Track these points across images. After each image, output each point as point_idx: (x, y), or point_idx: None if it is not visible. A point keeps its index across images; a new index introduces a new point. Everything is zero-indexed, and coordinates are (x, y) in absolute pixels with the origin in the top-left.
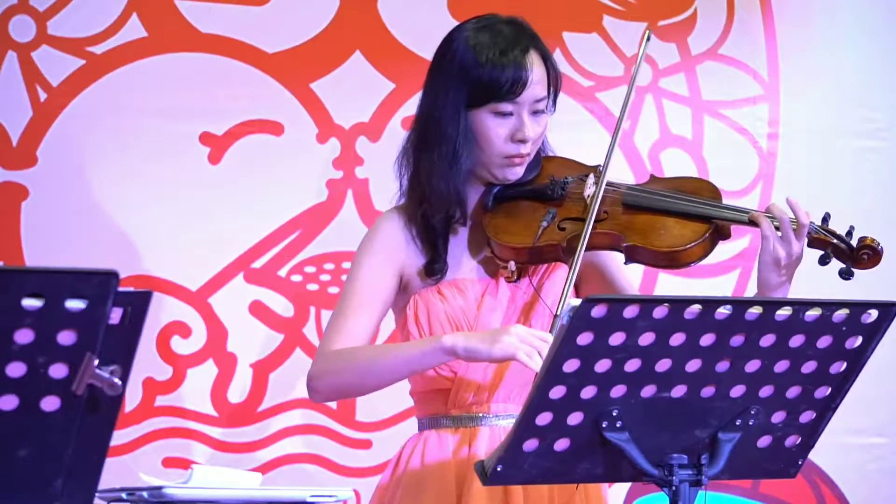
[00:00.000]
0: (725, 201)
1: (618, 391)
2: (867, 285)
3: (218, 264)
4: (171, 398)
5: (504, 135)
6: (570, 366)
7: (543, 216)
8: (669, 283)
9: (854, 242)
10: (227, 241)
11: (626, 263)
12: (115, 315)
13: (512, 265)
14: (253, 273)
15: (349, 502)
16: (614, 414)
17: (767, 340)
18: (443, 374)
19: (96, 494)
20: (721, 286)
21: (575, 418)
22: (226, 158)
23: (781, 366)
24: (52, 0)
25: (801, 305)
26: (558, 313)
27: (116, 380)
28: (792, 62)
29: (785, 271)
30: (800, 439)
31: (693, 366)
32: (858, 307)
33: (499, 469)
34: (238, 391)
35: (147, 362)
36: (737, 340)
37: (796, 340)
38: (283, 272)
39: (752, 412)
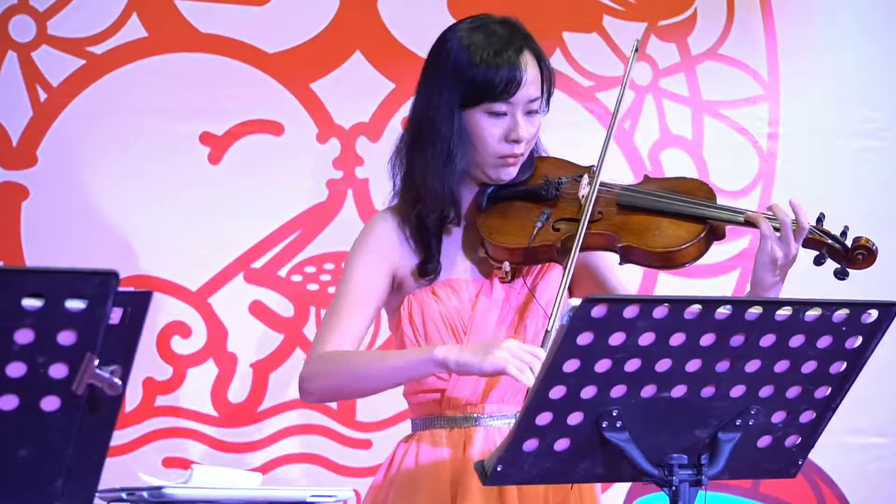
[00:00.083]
0: (724, 201)
1: (618, 391)
2: (866, 285)
3: (218, 264)
4: (171, 398)
5: (498, 135)
6: (570, 366)
7: (538, 217)
8: (669, 283)
9: (849, 243)
10: (227, 241)
11: (620, 264)
12: (116, 315)
13: (506, 266)
14: (253, 273)
15: (349, 502)
16: (614, 414)
17: (767, 340)
18: (437, 374)
19: (96, 494)
20: (721, 286)
21: (575, 418)
22: (226, 158)
23: (781, 366)
24: (52, 0)
25: (802, 305)
26: (549, 329)
27: (116, 380)
28: (792, 62)
29: (780, 272)
30: (800, 439)
31: (693, 366)
32: (858, 307)
33: (499, 469)
34: (238, 391)
35: (147, 362)
36: (737, 340)
37: (796, 340)
38: (283, 272)
39: (752, 412)
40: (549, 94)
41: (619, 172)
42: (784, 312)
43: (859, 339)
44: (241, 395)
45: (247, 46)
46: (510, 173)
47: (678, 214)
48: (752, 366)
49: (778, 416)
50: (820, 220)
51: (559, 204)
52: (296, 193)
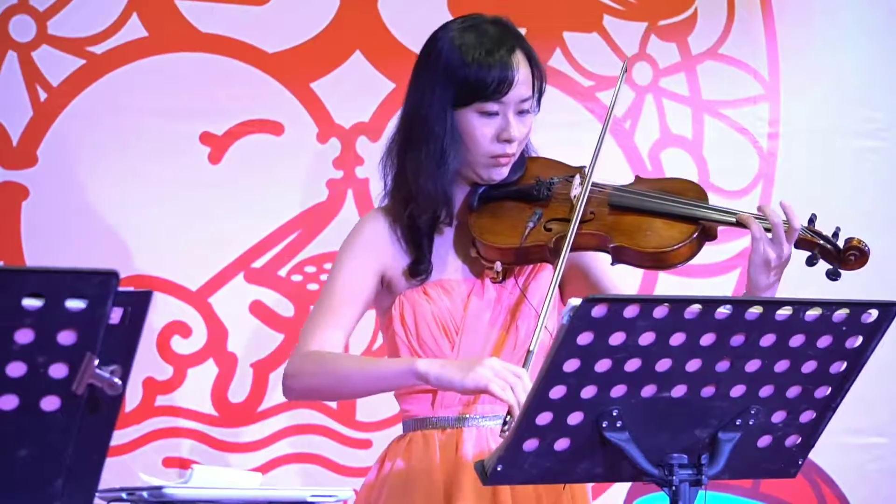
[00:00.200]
0: (725, 202)
1: (618, 391)
2: (867, 285)
3: (218, 264)
4: (171, 398)
5: (490, 134)
6: (571, 366)
7: (530, 217)
8: (669, 283)
9: (841, 244)
10: (227, 241)
11: (612, 264)
12: (116, 315)
13: (498, 266)
14: (253, 273)
15: (349, 502)
16: (614, 414)
17: (767, 340)
18: None
19: (96, 494)
20: (721, 286)
21: (575, 418)
22: (226, 158)
23: (781, 365)
24: (52, 0)
25: (802, 305)
26: (531, 349)
27: (116, 380)
28: (792, 62)
29: (774, 273)
30: (800, 439)
31: (693, 365)
32: (859, 307)
33: (499, 469)
34: (238, 391)
35: (147, 362)
36: (737, 340)
37: (796, 340)
38: (283, 272)
39: (753, 412)
40: (541, 94)
41: (618, 172)
42: (784, 312)
43: (859, 339)
44: (241, 395)
45: (247, 46)
46: (502, 173)
47: (670, 215)
48: (753, 365)
49: (778, 416)
50: (811, 220)
51: (551, 204)
52: (296, 193)
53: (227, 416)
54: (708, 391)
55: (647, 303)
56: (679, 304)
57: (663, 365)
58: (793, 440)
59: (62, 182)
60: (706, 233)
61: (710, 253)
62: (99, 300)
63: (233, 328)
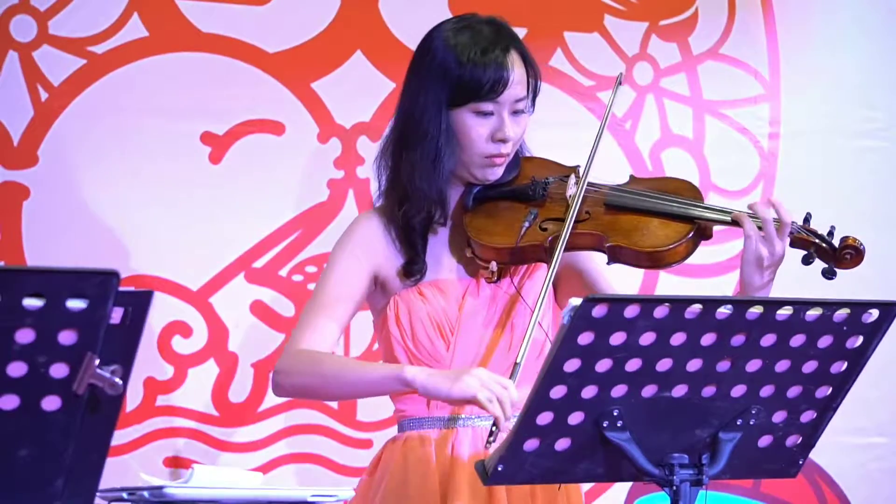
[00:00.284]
0: (725, 201)
1: (618, 391)
2: (867, 284)
3: (219, 264)
4: (171, 398)
5: (485, 134)
6: (571, 365)
7: (525, 216)
8: (670, 283)
9: (836, 242)
10: (228, 241)
11: (608, 264)
12: (116, 315)
13: (493, 265)
14: (254, 273)
15: (350, 502)
16: (615, 414)
17: (768, 340)
18: None
19: (97, 494)
20: (722, 286)
21: (576, 418)
22: (227, 158)
23: (782, 365)
24: (53, 0)
25: (802, 305)
26: (518, 361)
27: (117, 379)
28: (793, 62)
29: (768, 271)
30: (800, 439)
31: (694, 365)
32: (859, 307)
33: (499, 469)
34: (239, 391)
35: (148, 362)
36: (737, 340)
37: (797, 340)
38: (284, 272)
39: (753, 412)
40: (535, 94)
41: (618, 172)
42: (785, 312)
43: (860, 339)
44: (241, 395)
45: (248, 46)
46: (496, 173)
47: (666, 214)
48: (753, 365)
49: (779, 416)
50: (807, 219)
51: (546, 204)
52: (297, 193)
53: (227, 415)
54: (708, 391)
55: (648, 303)
56: (680, 303)
57: (664, 365)
58: (793, 440)
59: (63, 182)
60: (702, 232)
61: (710, 253)
62: (100, 300)
63: (233, 328)
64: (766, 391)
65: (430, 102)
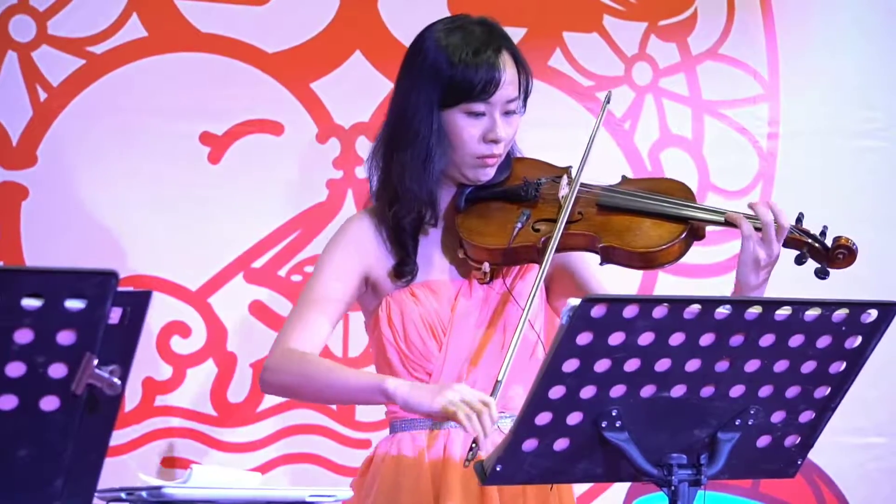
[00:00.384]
0: (725, 202)
1: (617, 391)
2: (866, 284)
3: (218, 264)
4: (170, 398)
5: (477, 135)
6: (570, 366)
7: (517, 217)
8: (669, 283)
9: (829, 242)
10: (226, 241)
11: (601, 264)
12: (115, 315)
13: (486, 266)
14: (253, 273)
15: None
16: (614, 414)
17: (767, 340)
18: (417, 375)
19: (95, 494)
20: (721, 286)
21: (574, 418)
22: (226, 158)
23: (781, 365)
24: (52, 0)
25: (801, 305)
26: (500, 378)
27: (116, 380)
28: (792, 62)
29: (764, 272)
30: (799, 439)
31: (692, 365)
32: (858, 307)
33: (498, 469)
34: (238, 391)
35: (147, 362)
36: (736, 340)
37: (796, 340)
38: (283, 272)
39: (752, 412)
40: (527, 95)
41: (617, 173)
42: (783, 312)
43: (859, 339)
44: (240, 395)
45: (247, 46)
46: (488, 174)
47: (659, 214)
48: (752, 365)
49: (777, 416)
50: (799, 219)
51: (538, 205)
52: (296, 193)
53: (226, 415)
54: (707, 391)
55: (647, 303)
56: (678, 304)
57: (663, 365)
58: (792, 440)
59: (62, 182)
60: (694, 232)
61: (709, 253)
62: (98, 300)
63: (232, 328)
64: (765, 391)
65: (421, 103)
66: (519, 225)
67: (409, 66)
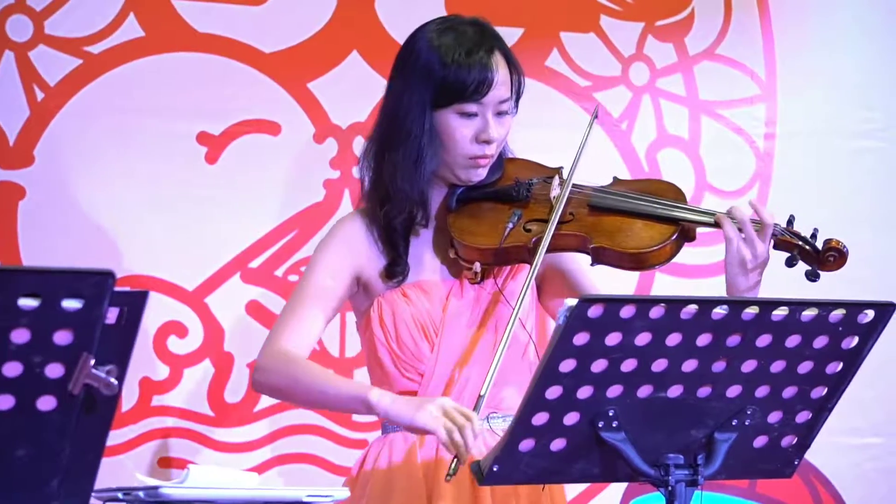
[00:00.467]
0: (722, 202)
1: (614, 391)
2: (864, 285)
3: (215, 264)
4: (167, 398)
5: (469, 135)
6: (567, 366)
7: (509, 217)
8: (666, 283)
9: (819, 244)
10: (223, 241)
11: (592, 265)
12: (112, 315)
13: (477, 266)
14: (250, 273)
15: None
16: (610, 414)
17: (764, 340)
18: (409, 375)
19: (92, 494)
20: (717, 287)
21: (571, 418)
22: (223, 158)
23: (778, 366)
24: (49, 0)
25: (798, 305)
26: (483, 394)
27: (113, 379)
28: (789, 62)
29: (753, 274)
30: (796, 439)
31: (689, 366)
32: (855, 307)
33: (495, 469)
34: (234, 391)
35: (143, 362)
36: (733, 340)
37: (792, 340)
38: (279, 272)
39: (749, 412)
40: (519, 96)
41: (612, 173)
42: (780, 313)
43: (855, 340)
44: (237, 395)
45: (244, 46)
46: (480, 174)
47: (650, 216)
48: (749, 366)
49: (774, 417)
50: (790, 221)
51: (530, 205)
52: (293, 193)
53: (223, 416)
54: (704, 391)
55: (644, 303)
56: (675, 304)
57: (659, 365)
58: (789, 440)
59: (59, 182)
60: (685, 233)
61: (706, 254)
62: (95, 300)
63: (229, 328)
64: (762, 391)
65: (413, 103)
66: (510, 225)
67: (402, 66)
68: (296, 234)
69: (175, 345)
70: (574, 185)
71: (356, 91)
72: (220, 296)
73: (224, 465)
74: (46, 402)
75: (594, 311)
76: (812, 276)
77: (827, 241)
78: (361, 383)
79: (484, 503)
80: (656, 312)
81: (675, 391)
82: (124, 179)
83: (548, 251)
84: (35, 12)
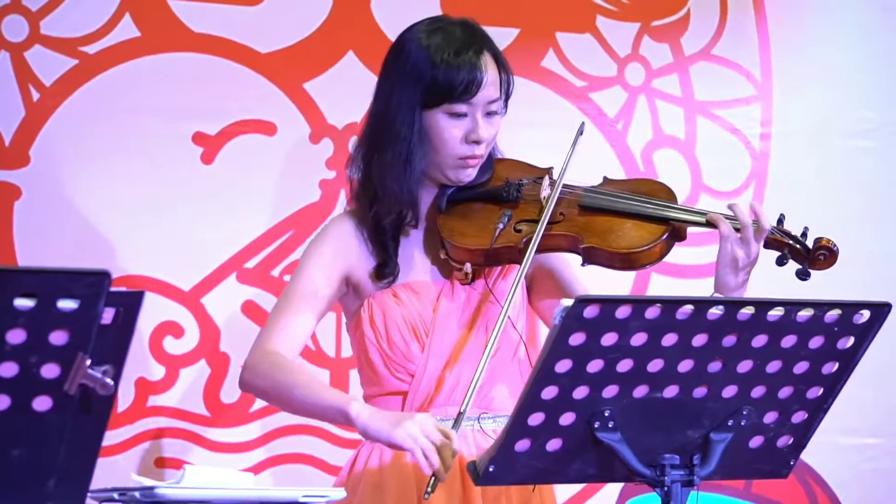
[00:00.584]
0: (717, 202)
1: (610, 391)
2: (861, 285)
3: (211, 264)
4: (163, 398)
5: (458, 136)
6: (563, 366)
7: (499, 218)
8: (662, 284)
9: (810, 243)
10: (219, 242)
11: (583, 265)
12: (108, 315)
13: (467, 267)
14: (246, 273)
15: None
16: (606, 414)
17: (759, 341)
18: (399, 376)
19: (88, 494)
20: (713, 287)
21: (567, 419)
22: (219, 158)
23: (773, 366)
24: (44, 0)
25: (794, 306)
26: (463, 410)
27: (108, 380)
28: (785, 62)
29: (743, 272)
30: (792, 440)
31: (685, 366)
32: (851, 308)
33: (491, 469)
34: (231, 391)
35: (139, 362)
36: (729, 341)
37: (788, 341)
38: (275, 272)
39: (745, 412)
40: (508, 96)
41: (609, 173)
42: (776, 313)
43: (851, 340)
44: (233, 396)
45: (240, 46)
46: (469, 175)
47: (640, 215)
48: (745, 366)
49: (770, 417)
50: (780, 220)
51: (520, 205)
52: (289, 193)
53: (219, 416)
54: (700, 392)
55: (640, 303)
56: (671, 304)
57: (655, 365)
58: (785, 441)
59: (55, 182)
60: (676, 233)
61: (702, 254)
62: (91, 300)
63: (225, 328)
64: (758, 392)
65: (402, 103)
66: (500, 225)
67: (391, 66)
68: (292, 234)
69: (171, 345)
70: (564, 186)
71: (352, 91)
72: (215, 296)
73: (220, 466)
74: (42, 403)
75: (590, 312)
76: (802, 275)
77: (817, 240)
78: (343, 394)
79: (475, 503)
80: (652, 313)
81: (671, 391)
82: (120, 180)
83: (538, 251)
84: (31, 12)
